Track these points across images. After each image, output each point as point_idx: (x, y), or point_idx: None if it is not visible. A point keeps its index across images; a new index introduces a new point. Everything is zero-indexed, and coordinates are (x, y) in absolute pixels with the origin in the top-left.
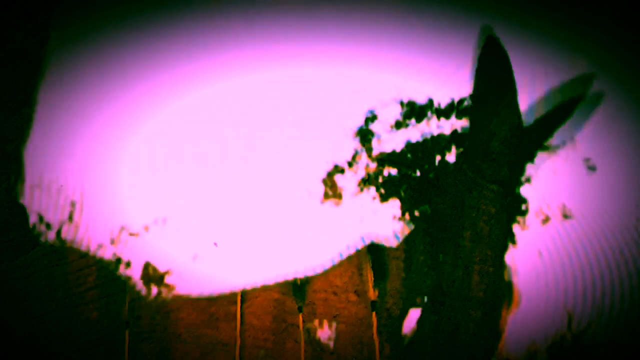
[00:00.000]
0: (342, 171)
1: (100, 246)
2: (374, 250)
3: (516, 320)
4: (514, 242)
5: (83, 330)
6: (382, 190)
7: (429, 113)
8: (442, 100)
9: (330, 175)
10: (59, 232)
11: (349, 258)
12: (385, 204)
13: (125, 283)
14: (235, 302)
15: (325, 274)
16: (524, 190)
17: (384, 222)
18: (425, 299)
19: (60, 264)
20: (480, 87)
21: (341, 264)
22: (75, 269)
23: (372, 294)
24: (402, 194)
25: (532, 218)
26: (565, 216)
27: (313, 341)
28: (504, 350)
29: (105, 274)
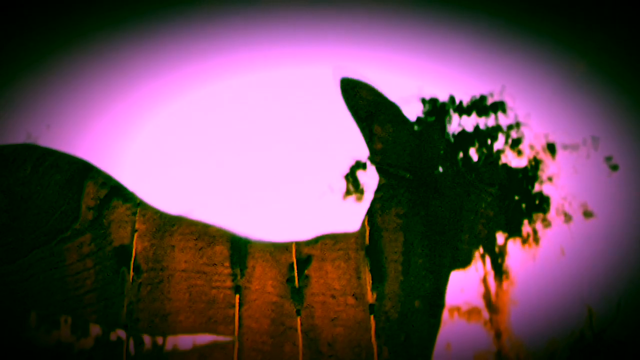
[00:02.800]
0: (364, 167)
1: None
2: (373, 253)
3: (537, 317)
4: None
5: (81, 334)
6: None
7: (450, 110)
8: (463, 97)
9: (352, 170)
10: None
11: (347, 260)
12: None
13: (123, 286)
14: (234, 305)
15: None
16: (546, 189)
17: None
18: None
19: (58, 267)
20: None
21: (339, 266)
22: (73, 272)
23: (371, 297)
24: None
25: (554, 216)
26: (587, 214)
27: (311, 344)
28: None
29: (104, 277)
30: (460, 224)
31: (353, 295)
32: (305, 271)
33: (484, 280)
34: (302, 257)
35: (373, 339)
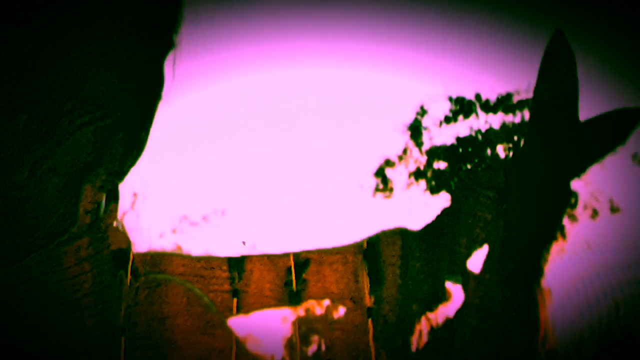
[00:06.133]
0: (392, 164)
1: (161, 235)
2: (371, 257)
3: (564, 311)
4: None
5: (79, 337)
6: (433, 183)
7: (477, 108)
8: (490, 95)
9: (382, 168)
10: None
11: (345, 263)
12: (435, 196)
13: (121, 290)
14: (231, 309)
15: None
16: (574, 184)
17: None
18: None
19: (56, 270)
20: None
21: (337, 269)
22: (70, 276)
23: (368, 301)
24: (453, 186)
25: (581, 211)
26: (613, 210)
27: (309, 348)
28: (552, 341)
29: (101, 280)
30: (458, 228)
31: (351, 298)
32: (303, 275)
33: None
34: (299, 260)
35: (371, 342)
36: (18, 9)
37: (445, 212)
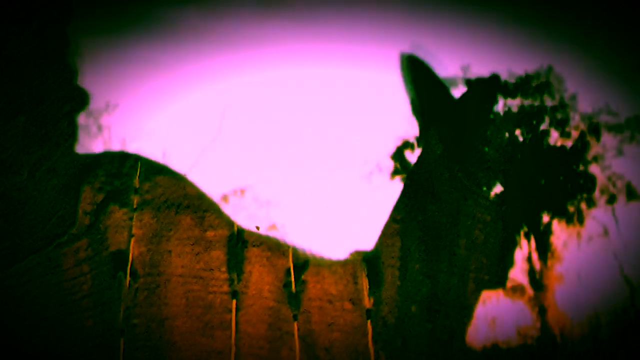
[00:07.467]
0: (411, 147)
1: None
2: (370, 258)
3: (580, 295)
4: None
5: (78, 338)
6: None
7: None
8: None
9: (399, 150)
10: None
11: (345, 264)
12: None
13: (120, 291)
14: (231, 310)
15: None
16: (591, 169)
17: None
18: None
19: (55, 272)
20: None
21: (336, 271)
22: (70, 277)
23: (368, 302)
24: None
25: (598, 196)
26: (631, 196)
27: (308, 349)
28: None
29: (100, 282)
30: (457, 229)
31: (350, 300)
32: (302, 276)
33: (529, 258)
34: (299, 262)
35: (370, 344)
36: (18, 9)
37: (444, 213)
